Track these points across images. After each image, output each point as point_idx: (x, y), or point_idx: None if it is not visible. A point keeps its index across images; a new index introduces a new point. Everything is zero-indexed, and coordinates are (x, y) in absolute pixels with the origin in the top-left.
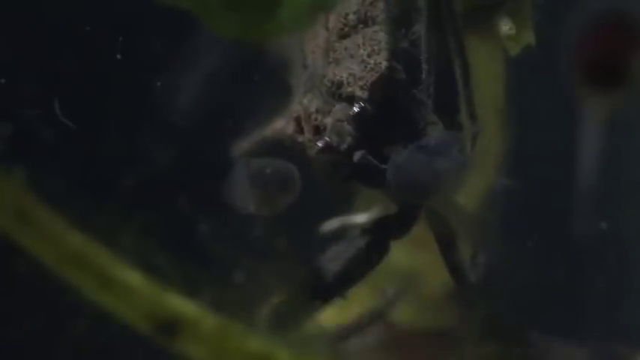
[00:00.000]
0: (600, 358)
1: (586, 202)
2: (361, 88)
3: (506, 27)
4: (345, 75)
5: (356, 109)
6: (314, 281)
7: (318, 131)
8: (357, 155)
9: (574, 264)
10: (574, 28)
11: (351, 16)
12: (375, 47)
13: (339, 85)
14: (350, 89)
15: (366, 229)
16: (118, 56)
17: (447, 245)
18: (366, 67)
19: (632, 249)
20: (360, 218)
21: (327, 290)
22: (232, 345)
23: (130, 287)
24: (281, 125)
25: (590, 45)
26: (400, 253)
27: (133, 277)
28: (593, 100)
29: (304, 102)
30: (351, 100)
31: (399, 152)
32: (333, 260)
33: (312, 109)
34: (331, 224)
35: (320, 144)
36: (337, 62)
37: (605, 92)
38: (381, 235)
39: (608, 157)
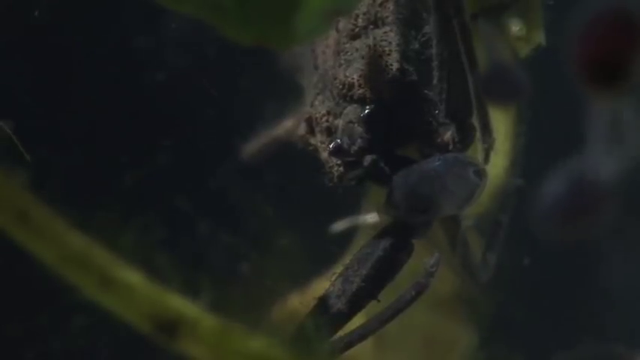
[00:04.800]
0: (600, 359)
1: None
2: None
3: (516, 28)
4: (356, 76)
5: (367, 110)
6: (344, 286)
7: (330, 133)
8: (368, 160)
9: (575, 263)
10: (577, 24)
11: (361, 18)
12: (386, 48)
13: (350, 86)
14: (361, 91)
15: (387, 230)
16: (120, 56)
17: (458, 245)
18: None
19: (632, 248)
20: (370, 218)
21: (359, 293)
22: (233, 345)
23: (131, 287)
24: (290, 126)
25: (593, 41)
26: None
27: (134, 277)
28: (597, 97)
29: (315, 103)
30: (362, 101)
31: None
32: (360, 263)
33: (324, 110)
34: (341, 224)
35: (331, 145)
36: (348, 64)
37: (609, 88)
38: (403, 235)
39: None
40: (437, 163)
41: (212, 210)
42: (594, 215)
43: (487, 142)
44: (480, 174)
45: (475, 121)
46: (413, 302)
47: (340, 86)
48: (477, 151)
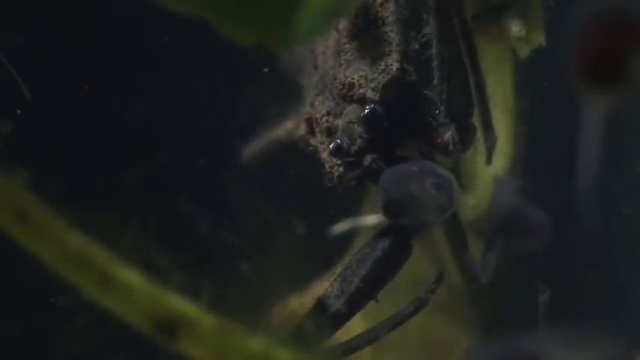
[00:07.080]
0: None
1: (588, 200)
2: (372, 89)
3: (516, 28)
4: (356, 77)
5: (367, 110)
6: (342, 286)
7: (330, 133)
8: (368, 159)
9: (576, 261)
10: (574, 25)
11: (362, 17)
12: (386, 49)
13: (350, 86)
14: (361, 91)
15: (386, 231)
16: (120, 57)
17: (458, 246)
18: (377, 68)
19: (633, 247)
20: (371, 220)
21: (357, 294)
22: (233, 345)
23: (130, 287)
24: (290, 126)
25: (591, 42)
26: None
27: (133, 277)
28: (593, 97)
29: (315, 104)
30: (362, 101)
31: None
32: (359, 263)
33: (324, 110)
34: (342, 225)
35: (331, 146)
36: (348, 64)
37: (605, 89)
38: (402, 236)
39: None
40: (409, 169)
41: (213, 210)
42: None
43: (489, 142)
44: (442, 186)
45: (476, 121)
46: (412, 317)
47: (340, 86)
48: (477, 151)
